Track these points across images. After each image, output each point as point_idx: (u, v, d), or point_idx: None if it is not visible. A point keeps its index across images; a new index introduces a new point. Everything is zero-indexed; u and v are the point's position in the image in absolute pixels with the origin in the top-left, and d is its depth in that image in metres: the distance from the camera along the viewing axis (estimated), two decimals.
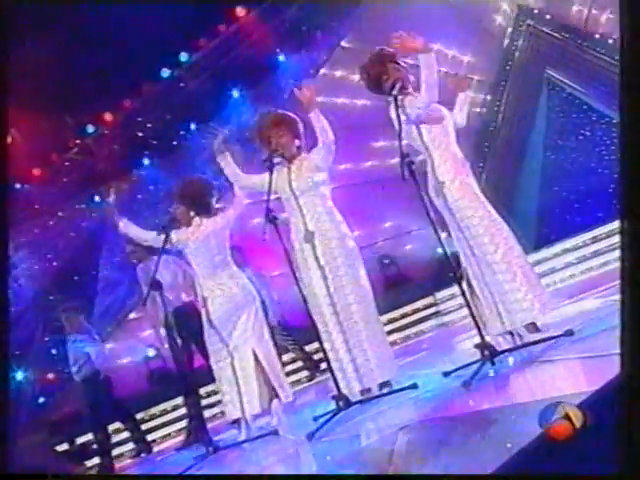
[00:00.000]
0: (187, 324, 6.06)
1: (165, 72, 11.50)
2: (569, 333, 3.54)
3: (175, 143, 12.04)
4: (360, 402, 4.07)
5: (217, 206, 5.36)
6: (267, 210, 4.17)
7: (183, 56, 11.47)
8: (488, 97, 11.72)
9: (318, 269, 4.28)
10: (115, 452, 7.33)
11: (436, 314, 9.15)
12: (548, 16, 11.33)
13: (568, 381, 2.98)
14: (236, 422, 4.80)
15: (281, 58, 11.53)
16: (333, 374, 4.09)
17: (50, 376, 11.24)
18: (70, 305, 7.50)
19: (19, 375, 10.90)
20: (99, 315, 11.61)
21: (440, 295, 9.16)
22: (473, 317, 3.61)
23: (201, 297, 4.96)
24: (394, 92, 3.93)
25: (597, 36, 10.74)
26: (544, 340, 3.62)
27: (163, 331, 6.03)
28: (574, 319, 4.13)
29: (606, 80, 10.86)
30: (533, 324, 3.84)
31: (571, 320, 4.09)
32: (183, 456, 5.82)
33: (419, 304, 9.26)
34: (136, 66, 10.88)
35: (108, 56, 10.51)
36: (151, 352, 9.77)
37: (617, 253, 8.24)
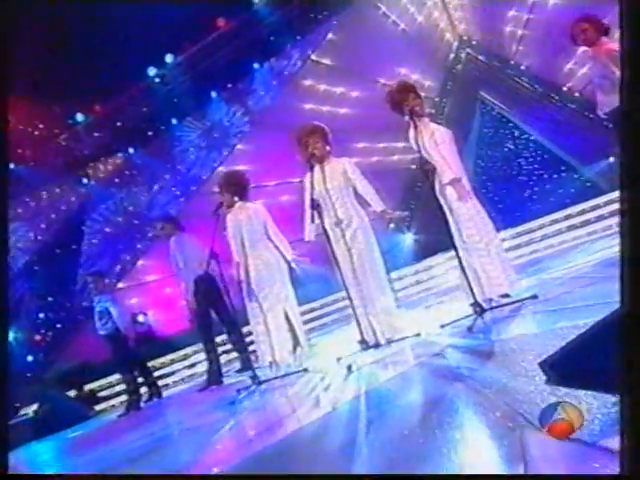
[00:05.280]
0: (206, 288, 6.88)
1: (151, 70, 12.05)
2: (534, 297, 4.48)
3: (155, 134, 12.59)
4: (375, 347, 4.89)
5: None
6: (311, 200, 5.11)
7: (168, 57, 12.03)
8: (432, 111, 12.95)
9: (345, 247, 5.14)
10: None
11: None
12: (483, 47, 12.74)
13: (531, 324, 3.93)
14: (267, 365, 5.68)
15: (255, 65, 12.20)
16: (358, 322, 4.96)
17: (37, 337, 11.74)
18: (95, 270, 8.08)
19: (10, 336, 11.35)
20: (82, 286, 12.12)
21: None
22: (468, 283, 4.64)
23: (243, 265, 5.81)
24: (413, 117, 4.94)
25: (522, 67, 12.22)
26: (516, 302, 4.59)
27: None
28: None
29: (527, 102, 12.38)
30: (506, 294, 4.84)
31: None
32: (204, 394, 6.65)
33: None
34: (125, 64, 11.33)
35: (101, 54, 10.92)
36: (141, 318, 10.44)
37: (538, 245, 9.65)
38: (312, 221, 5.17)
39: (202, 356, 9.94)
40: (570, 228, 9.58)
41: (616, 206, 9.44)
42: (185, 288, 6.90)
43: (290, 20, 11.92)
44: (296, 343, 5.76)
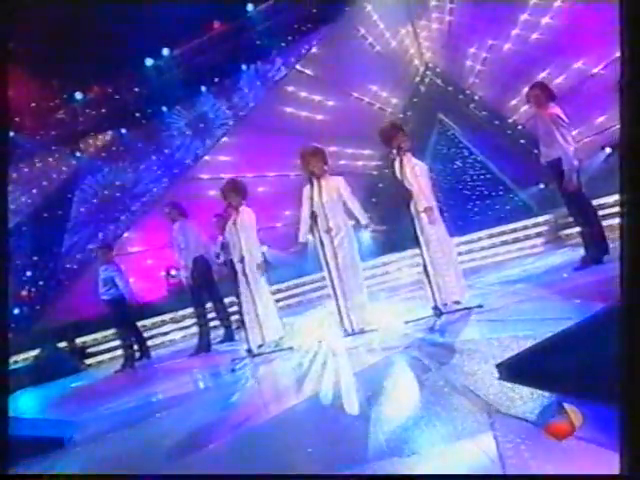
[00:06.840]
0: (201, 268, 7.75)
1: (148, 61, 12.63)
2: (480, 306, 5.41)
3: (146, 118, 13.17)
4: (352, 334, 5.70)
5: None
6: (311, 211, 6.08)
7: (165, 50, 12.65)
8: None
9: (332, 251, 5.93)
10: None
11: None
12: (445, 75, 13.83)
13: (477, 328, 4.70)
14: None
15: (243, 66, 12.96)
16: (340, 311, 5.81)
17: (24, 293, 12.29)
18: (102, 244, 8.81)
19: None
20: (67, 249, 12.71)
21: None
22: (432, 291, 5.51)
23: (240, 255, 6.39)
24: (400, 152, 5.70)
25: (476, 97, 13.43)
26: (466, 309, 5.47)
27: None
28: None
29: (477, 128, 13.61)
30: (458, 300, 5.78)
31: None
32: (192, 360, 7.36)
33: None
34: (126, 52, 11.82)
35: (105, 41, 11.37)
36: None
37: (470, 256, 10.83)
38: (310, 229, 6.14)
39: (174, 325, 10.94)
40: (502, 243, 10.80)
41: (542, 228, 10.75)
42: (185, 267, 7.59)
43: (277, 29, 12.64)
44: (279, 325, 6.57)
